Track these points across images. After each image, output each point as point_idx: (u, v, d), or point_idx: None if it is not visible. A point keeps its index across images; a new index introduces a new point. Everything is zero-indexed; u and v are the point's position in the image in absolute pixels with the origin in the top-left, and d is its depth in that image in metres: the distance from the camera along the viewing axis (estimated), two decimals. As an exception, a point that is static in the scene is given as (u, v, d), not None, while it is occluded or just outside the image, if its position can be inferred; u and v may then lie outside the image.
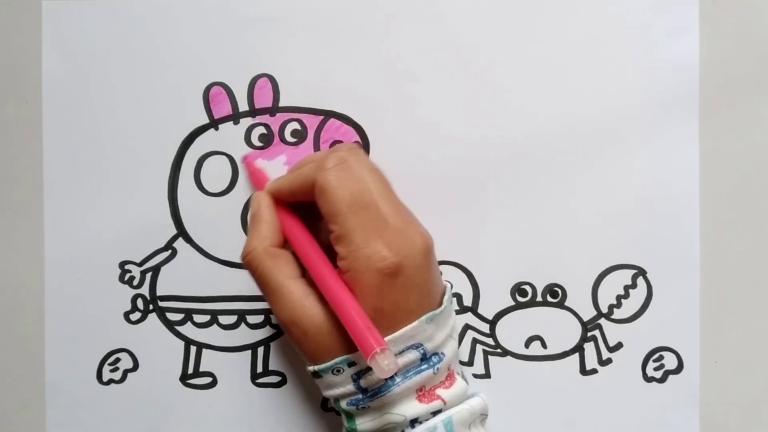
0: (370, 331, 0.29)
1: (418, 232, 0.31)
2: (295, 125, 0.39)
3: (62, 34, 0.39)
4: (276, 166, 0.39)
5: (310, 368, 0.32)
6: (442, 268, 0.39)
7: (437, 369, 0.31)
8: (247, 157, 0.39)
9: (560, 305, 0.39)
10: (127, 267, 0.39)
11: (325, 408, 0.40)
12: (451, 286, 0.35)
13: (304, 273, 0.33)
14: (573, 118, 0.38)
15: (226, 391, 0.40)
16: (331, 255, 0.32)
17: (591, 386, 0.39)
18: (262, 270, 0.32)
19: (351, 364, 0.31)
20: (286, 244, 0.34)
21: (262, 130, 0.39)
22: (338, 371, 0.31)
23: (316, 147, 0.39)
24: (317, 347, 0.31)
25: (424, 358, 0.31)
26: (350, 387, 0.31)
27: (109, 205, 0.39)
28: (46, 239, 0.39)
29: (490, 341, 0.39)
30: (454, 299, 0.39)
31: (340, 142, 0.39)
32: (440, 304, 0.32)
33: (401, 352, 0.30)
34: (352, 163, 0.32)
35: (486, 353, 0.39)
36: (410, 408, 0.31)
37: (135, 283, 0.39)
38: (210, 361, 0.40)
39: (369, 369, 0.30)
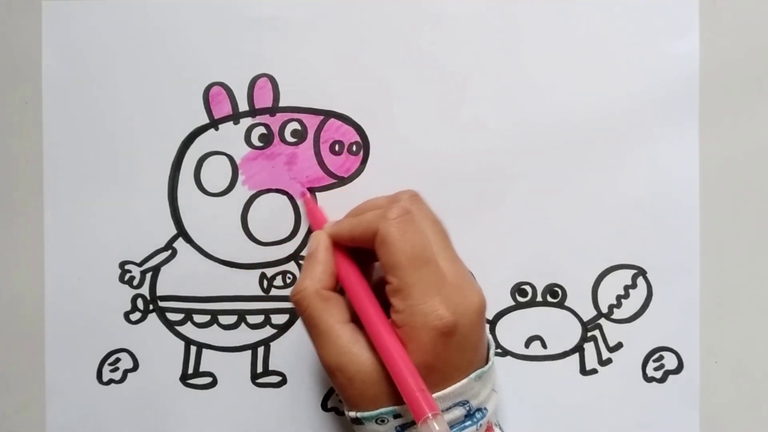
0: (422, 393, 0.29)
1: (474, 289, 0.31)
2: (295, 125, 0.39)
3: (62, 34, 0.39)
4: (277, 166, 0.39)
5: (352, 414, 0.31)
6: (442, 268, 0.39)
7: (480, 425, 0.31)
8: (306, 195, 0.39)
9: (560, 305, 0.39)
10: (127, 267, 0.39)
11: (325, 408, 0.40)
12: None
13: (353, 318, 0.32)
14: (573, 118, 0.38)
15: (226, 391, 0.40)
16: (380, 298, 0.32)
17: (591, 386, 0.39)
18: (312, 311, 0.32)
19: (396, 416, 0.30)
20: (337, 286, 0.34)
21: (262, 130, 0.39)
22: (382, 421, 0.31)
23: (316, 147, 0.39)
24: (362, 395, 0.31)
25: (469, 414, 0.31)
26: None
27: (109, 205, 0.39)
28: (46, 239, 0.39)
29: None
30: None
31: (340, 142, 0.39)
32: (487, 359, 0.32)
33: (447, 409, 0.30)
34: (415, 215, 0.32)
35: (486, 353, 0.39)
36: None
37: (135, 283, 0.39)
38: (210, 361, 0.40)
39: (414, 422, 0.30)
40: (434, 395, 0.29)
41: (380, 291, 0.32)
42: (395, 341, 0.30)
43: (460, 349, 0.30)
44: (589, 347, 0.39)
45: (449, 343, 0.30)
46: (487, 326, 0.39)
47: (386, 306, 0.32)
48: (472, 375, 0.31)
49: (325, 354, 0.31)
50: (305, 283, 0.33)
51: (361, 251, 0.34)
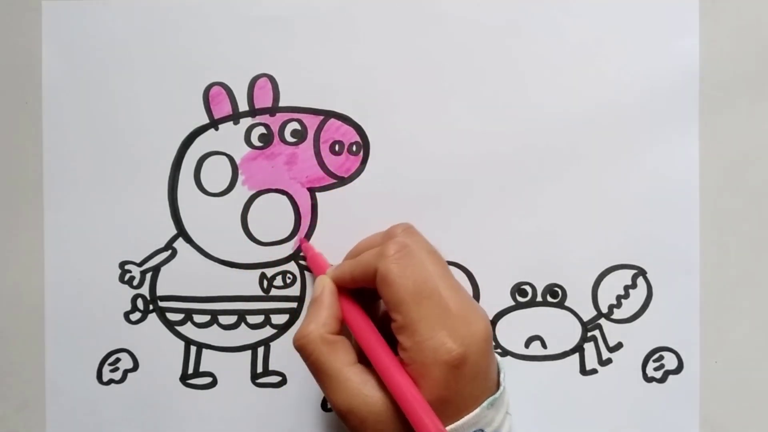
0: None
1: (479, 316, 0.31)
2: (295, 125, 0.39)
3: (62, 34, 0.39)
4: (277, 166, 0.39)
5: None
6: (442, 268, 0.39)
7: None
8: (304, 242, 0.39)
9: (560, 305, 0.39)
10: (127, 267, 0.39)
11: (325, 408, 0.40)
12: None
13: (360, 358, 0.32)
14: (573, 118, 0.38)
15: (226, 391, 0.40)
16: (386, 335, 0.32)
17: (591, 386, 0.39)
18: (318, 356, 0.32)
19: None
20: (342, 330, 0.33)
21: (262, 130, 0.39)
22: None
23: (316, 147, 0.39)
24: None
25: None
26: None
27: (109, 205, 0.39)
28: (46, 239, 0.39)
29: (490, 341, 0.39)
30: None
31: (340, 142, 0.39)
32: (498, 384, 0.32)
33: None
34: (413, 249, 0.32)
35: (486, 353, 0.39)
36: None
37: (135, 283, 0.39)
38: (210, 361, 0.40)
39: None
40: (448, 428, 0.29)
41: (385, 328, 0.32)
42: (407, 380, 0.30)
43: (472, 378, 0.30)
44: (589, 347, 0.39)
45: (460, 375, 0.30)
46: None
47: (392, 342, 0.31)
48: (484, 403, 0.30)
49: (336, 398, 0.31)
50: (309, 328, 0.32)
51: (363, 290, 0.34)
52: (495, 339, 0.39)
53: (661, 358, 0.39)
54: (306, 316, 0.34)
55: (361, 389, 0.31)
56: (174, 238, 0.39)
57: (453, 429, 0.30)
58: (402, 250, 0.31)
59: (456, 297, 0.31)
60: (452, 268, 0.39)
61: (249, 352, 0.40)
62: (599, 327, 0.39)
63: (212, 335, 0.39)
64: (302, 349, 0.32)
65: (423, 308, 0.30)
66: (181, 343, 0.40)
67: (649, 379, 0.39)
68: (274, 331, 0.39)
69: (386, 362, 0.31)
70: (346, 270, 0.34)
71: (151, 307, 0.39)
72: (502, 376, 0.32)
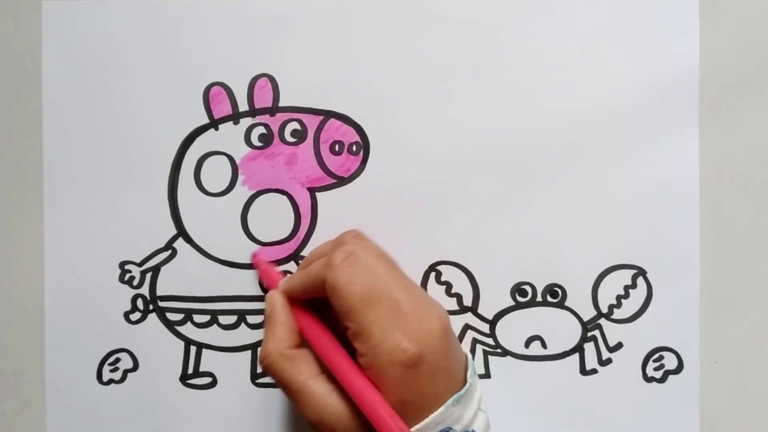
0: None
1: (433, 314, 0.31)
2: (295, 125, 0.39)
3: (62, 34, 0.39)
4: (277, 166, 0.39)
5: None
6: (442, 268, 0.39)
7: None
8: (257, 256, 0.39)
9: (560, 305, 0.39)
10: (127, 267, 0.39)
11: (325, 408, 0.40)
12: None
13: (324, 369, 0.32)
14: (573, 118, 0.38)
15: (226, 391, 0.40)
16: (347, 346, 0.32)
17: (591, 386, 0.39)
18: (281, 373, 0.32)
19: None
20: (302, 342, 0.34)
21: (262, 130, 0.39)
22: None
23: (316, 147, 0.39)
24: None
25: None
26: None
27: (109, 205, 0.39)
28: (46, 239, 0.39)
29: (490, 341, 0.39)
30: (454, 299, 0.39)
31: (340, 142, 0.39)
32: (464, 381, 0.32)
33: None
34: (360, 255, 0.32)
35: (486, 353, 0.39)
36: None
37: (135, 283, 0.39)
38: (210, 361, 0.40)
39: None
40: (413, 429, 0.29)
41: (346, 336, 0.32)
42: (367, 385, 0.30)
43: (431, 376, 0.30)
44: (589, 347, 0.39)
45: (418, 374, 0.30)
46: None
47: (354, 350, 0.31)
48: (449, 401, 0.30)
49: (304, 411, 0.31)
50: (269, 348, 0.33)
51: (321, 299, 0.34)
52: (495, 339, 0.39)
53: (661, 358, 0.39)
54: (264, 336, 0.34)
55: (326, 400, 0.31)
56: (174, 238, 0.39)
57: (417, 430, 0.29)
58: (348, 258, 0.31)
59: (409, 297, 0.31)
60: (452, 268, 0.39)
61: (249, 352, 0.40)
62: (599, 327, 0.39)
63: (212, 335, 0.39)
64: (267, 368, 0.33)
65: (374, 312, 0.30)
66: (181, 343, 0.40)
67: (649, 379, 0.39)
68: (274, 331, 0.39)
69: (345, 369, 0.31)
70: (296, 282, 0.34)
71: (151, 307, 0.39)
72: (469, 372, 0.32)
